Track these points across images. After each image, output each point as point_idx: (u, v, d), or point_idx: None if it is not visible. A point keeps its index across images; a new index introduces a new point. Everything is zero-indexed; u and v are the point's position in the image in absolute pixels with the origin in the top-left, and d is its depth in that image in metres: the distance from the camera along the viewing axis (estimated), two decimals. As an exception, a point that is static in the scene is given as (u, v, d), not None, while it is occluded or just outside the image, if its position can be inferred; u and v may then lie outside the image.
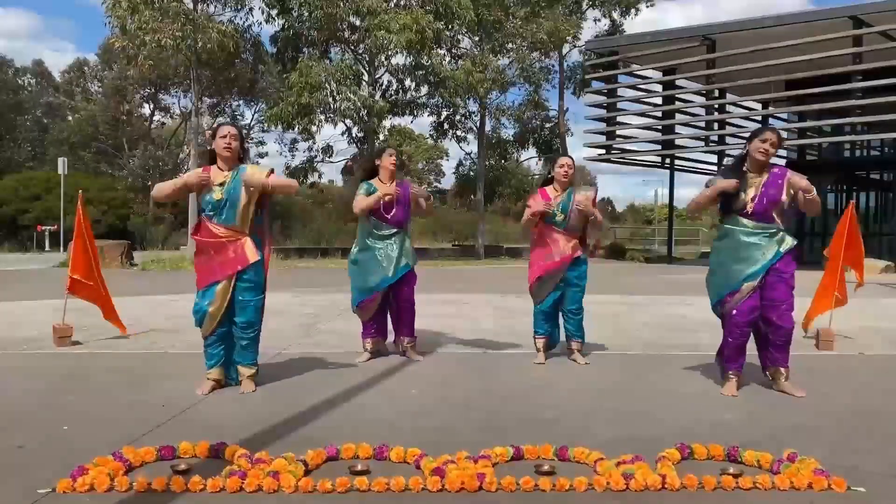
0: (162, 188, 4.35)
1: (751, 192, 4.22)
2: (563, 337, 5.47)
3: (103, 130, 36.36)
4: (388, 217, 5.21)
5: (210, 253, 4.24)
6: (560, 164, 5.22)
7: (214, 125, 4.68)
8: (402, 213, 5.29)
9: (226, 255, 4.21)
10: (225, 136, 4.22)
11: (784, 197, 4.20)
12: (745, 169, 4.28)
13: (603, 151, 22.19)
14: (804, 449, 3.10)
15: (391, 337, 5.59)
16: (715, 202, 4.35)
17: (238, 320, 4.29)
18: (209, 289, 4.23)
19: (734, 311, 4.28)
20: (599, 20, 27.61)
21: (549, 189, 5.27)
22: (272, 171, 4.31)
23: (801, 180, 4.14)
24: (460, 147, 27.58)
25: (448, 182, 44.15)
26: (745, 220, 4.26)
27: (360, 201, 5.17)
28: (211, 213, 4.23)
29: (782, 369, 4.36)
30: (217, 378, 4.34)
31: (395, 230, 5.24)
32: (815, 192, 4.14)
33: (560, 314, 5.35)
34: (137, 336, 6.35)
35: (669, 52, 20.61)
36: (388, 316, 5.49)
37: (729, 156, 23.14)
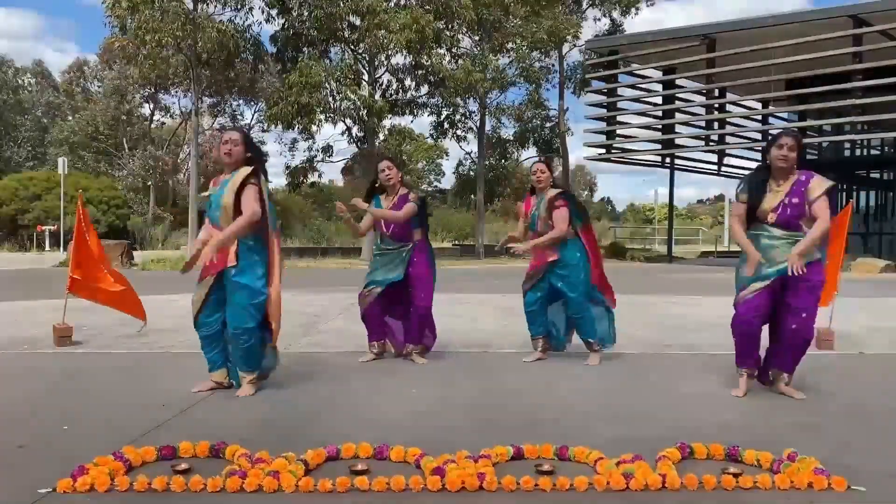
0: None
1: (774, 202, 4.11)
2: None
3: (103, 130, 36.34)
4: (388, 232, 5.22)
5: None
6: (532, 170, 5.30)
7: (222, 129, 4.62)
8: (403, 227, 5.20)
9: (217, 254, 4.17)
10: (226, 143, 4.21)
11: (807, 206, 4.07)
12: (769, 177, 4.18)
13: (603, 151, 22.19)
14: (804, 448, 3.09)
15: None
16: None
17: (230, 327, 4.21)
18: (202, 280, 4.26)
19: (738, 304, 4.22)
20: (599, 19, 27.62)
21: (530, 196, 5.38)
22: (246, 185, 4.10)
23: (817, 187, 4.06)
24: (460, 147, 27.60)
25: (448, 182, 44.15)
26: (770, 229, 4.15)
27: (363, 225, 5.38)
28: (213, 221, 4.24)
29: (785, 374, 4.30)
30: (220, 381, 4.34)
31: (397, 245, 5.21)
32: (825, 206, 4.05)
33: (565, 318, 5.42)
34: (137, 336, 6.35)
35: (669, 51, 20.62)
36: (393, 321, 5.48)
37: (729, 155, 23.21)
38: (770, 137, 4.38)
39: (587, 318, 5.27)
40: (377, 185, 5.26)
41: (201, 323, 4.28)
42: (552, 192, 5.19)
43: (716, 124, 21.22)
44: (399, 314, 5.40)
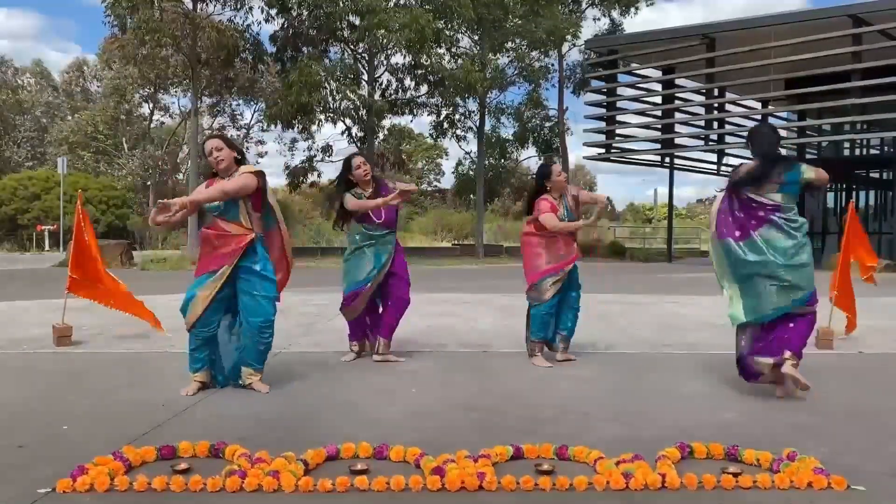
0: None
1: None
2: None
3: (102, 130, 36.35)
4: (379, 221, 5.25)
5: (214, 244, 4.22)
6: (557, 172, 5.33)
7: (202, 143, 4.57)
8: (391, 213, 5.33)
9: (227, 246, 4.20)
10: (212, 153, 4.21)
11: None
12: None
13: (603, 151, 22.20)
14: (804, 448, 3.10)
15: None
16: None
17: (254, 320, 4.21)
18: (204, 277, 4.21)
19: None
20: (599, 19, 27.63)
21: (549, 197, 5.32)
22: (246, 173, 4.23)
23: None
24: (460, 146, 27.62)
25: (448, 181, 44.14)
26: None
27: (359, 203, 5.16)
28: (217, 213, 4.22)
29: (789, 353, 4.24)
30: (203, 380, 4.30)
31: (385, 231, 5.28)
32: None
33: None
34: (137, 336, 6.35)
35: (669, 51, 20.62)
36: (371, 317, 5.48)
37: (729, 154, 23.20)
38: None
39: (578, 311, 5.40)
40: (352, 181, 5.26)
41: (203, 323, 4.22)
42: (574, 187, 5.47)
43: (715, 124, 21.23)
44: (374, 308, 5.45)
